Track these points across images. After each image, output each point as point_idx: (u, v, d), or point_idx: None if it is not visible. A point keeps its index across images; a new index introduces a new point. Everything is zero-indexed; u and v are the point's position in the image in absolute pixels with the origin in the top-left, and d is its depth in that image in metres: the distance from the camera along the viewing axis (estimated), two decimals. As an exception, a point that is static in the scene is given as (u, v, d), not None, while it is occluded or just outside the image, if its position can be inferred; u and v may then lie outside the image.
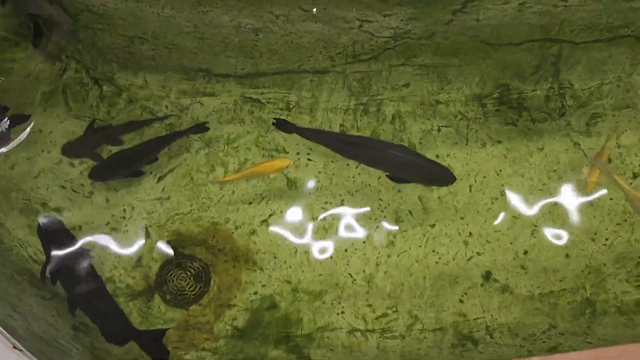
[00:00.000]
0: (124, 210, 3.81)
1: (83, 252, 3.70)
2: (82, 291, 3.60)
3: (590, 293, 3.61)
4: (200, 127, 3.93)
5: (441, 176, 3.48)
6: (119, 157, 3.80)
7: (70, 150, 3.91)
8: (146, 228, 3.77)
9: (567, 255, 3.69)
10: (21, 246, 3.68)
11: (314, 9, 3.55)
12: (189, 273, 3.70)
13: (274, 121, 3.76)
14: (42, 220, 3.73)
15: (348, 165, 3.92)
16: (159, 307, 3.63)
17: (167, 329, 3.56)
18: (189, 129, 3.91)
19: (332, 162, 3.93)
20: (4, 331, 2.91)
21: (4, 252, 3.63)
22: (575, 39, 3.80)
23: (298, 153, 3.95)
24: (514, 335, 3.54)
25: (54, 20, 3.92)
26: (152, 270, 3.69)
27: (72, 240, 3.72)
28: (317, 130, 3.88)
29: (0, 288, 3.36)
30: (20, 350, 2.84)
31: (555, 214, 3.77)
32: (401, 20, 3.60)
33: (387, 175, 3.57)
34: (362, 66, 3.93)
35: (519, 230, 3.74)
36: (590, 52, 3.89)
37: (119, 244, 3.74)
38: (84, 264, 3.65)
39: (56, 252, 3.65)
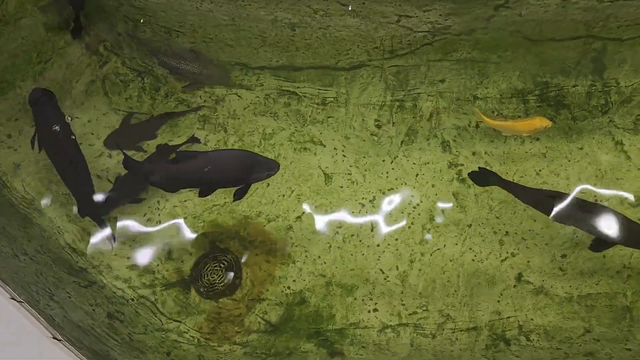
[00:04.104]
0: (158, 201, 3.85)
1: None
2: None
3: (631, 300, 3.53)
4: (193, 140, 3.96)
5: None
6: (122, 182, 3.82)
7: (112, 142, 3.96)
8: (181, 219, 3.80)
9: (604, 256, 3.60)
10: (59, 232, 3.74)
11: (350, 6, 3.53)
12: (222, 266, 3.72)
13: (479, 169, 3.73)
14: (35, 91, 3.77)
15: (384, 161, 3.89)
16: (195, 299, 3.67)
17: None
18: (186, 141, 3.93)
19: (364, 157, 3.91)
20: (44, 320, 2.96)
21: (45, 240, 3.70)
22: (622, 35, 3.69)
23: (335, 148, 3.93)
24: (550, 338, 3.48)
25: (210, 77, 4.05)
26: (186, 264, 3.72)
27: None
28: (523, 186, 3.68)
29: (40, 277, 3.42)
30: (59, 340, 2.89)
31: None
32: (440, 15, 3.55)
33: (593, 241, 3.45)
34: (399, 61, 3.88)
35: (556, 230, 3.67)
36: (636, 49, 3.77)
37: (154, 234, 3.78)
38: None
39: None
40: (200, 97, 4.09)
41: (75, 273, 3.64)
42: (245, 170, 3.26)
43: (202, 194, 3.31)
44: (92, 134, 3.99)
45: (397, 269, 3.67)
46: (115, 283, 3.66)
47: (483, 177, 3.71)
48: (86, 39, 4.18)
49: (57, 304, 3.34)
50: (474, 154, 3.86)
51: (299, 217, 3.79)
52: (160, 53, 4.01)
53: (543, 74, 3.91)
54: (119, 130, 3.98)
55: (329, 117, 4.00)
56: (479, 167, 3.75)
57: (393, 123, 3.97)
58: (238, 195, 3.35)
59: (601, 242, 3.42)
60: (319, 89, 4.02)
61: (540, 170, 3.80)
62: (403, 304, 3.61)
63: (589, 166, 3.78)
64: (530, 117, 3.81)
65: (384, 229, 3.75)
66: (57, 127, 3.67)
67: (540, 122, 3.68)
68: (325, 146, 3.94)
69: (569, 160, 3.81)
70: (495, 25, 3.62)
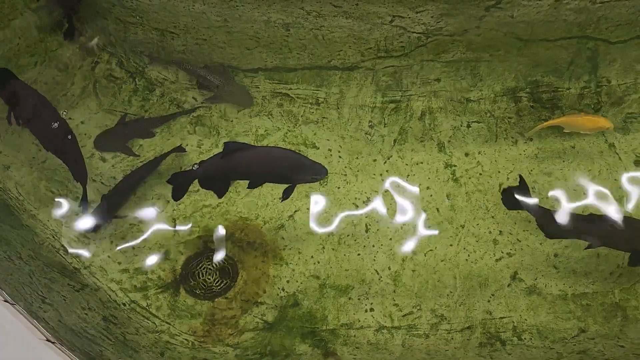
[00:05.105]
0: (153, 203, 3.84)
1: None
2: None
3: (620, 298, 3.54)
4: (178, 149, 3.94)
5: None
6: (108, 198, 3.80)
7: (102, 143, 3.95)
8: (174, 220, 3.79)
9: (597, 256, 3.62)
10: (54, 237, 3.73)
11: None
12: (215, 266, 3.71)
13: (507, 188, 3.63)
14: None
15: (375, 161, 3.90)
16: (185, 300, 3.66)
17: None
18: (166, 154, 3.91)
19: (358, 157, 3.91)
20: (37, 323, 2.95)
21: (37, 244, 3.69)
22: (611, 36, 3.72)
23: (329, 149, 3.93)
24: (543, 338, 3.50)
25: (233, 96, 4.06)
26: (179, 263, 3.72)
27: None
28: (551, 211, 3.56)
29: (32, 279, 3.41)
30: (52, 342, 2.88)
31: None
32: (432, 16, 3.56)
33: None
34: (392, 62, 3.89)
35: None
36: (627, 50, 3.80)
37: (147, 236, 3.77)
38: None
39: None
40: (194, 98, 4.08)
41: (69, 275, 3.62)
42: (290, 170, 3.28)
43: (251, 185, 3.34)
44: (85, 134, 3.98)
45: (390, 269, 3.67)
46: (110, 285, 3.64)
47: (516, 199, 3.54)
48: (79, 40, 4.16)
49: (51, 307, 3.33)
50: (466, 154, 3.87)
51: (291, 216, 3.79)
52: (189, 62, 4.04)
53: (536, 74, 3.93)
54: (109, 131, 3.97)
55: (323, 117, 4.01)
56: (519, 176, 3.60)
57: (385, 124, 3.97)
58: (285, 195, 3.36)
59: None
60: (312, 90, 4.02)
61: (532, 170, 3.82)
62: (396, 304, 3.62)
63: (580, 166, 3.80)
64: (595, 115, 3.80)
65: (378, 229, 3.76)
66: (55, 124, 3.70)
67: (604, 122, 3.66)
68: (318, 148, 3.94)
69: (560, 161, 3.83)
70: (487, 26, 3.64)
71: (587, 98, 3.92)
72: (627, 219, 3.40)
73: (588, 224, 3.40)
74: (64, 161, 3.73)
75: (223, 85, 4.00)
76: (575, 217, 3.47)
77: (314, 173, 3.30)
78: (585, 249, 3.46)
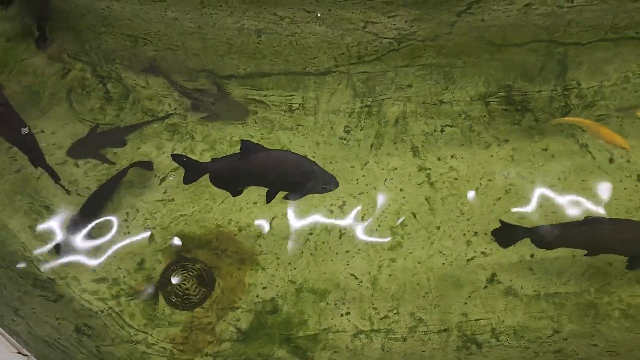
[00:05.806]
0: (127, 213, 3.80)
1: None
2: None
3: (595, 296, 3.59)
4: (144, 164, 3.91)
5: None
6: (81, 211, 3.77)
7: (75, 152, 3.91)
8: (150, 230, 3.76)
9: (573, 256, 3.65)
10: (25, 249, 3.67)
11: (318, 13, 3.54)
12: (191, 274, 3.69)
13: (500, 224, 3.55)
14: None
15: (353, 167, 3.90)
16: (163, 310, 3.62)
17: None
18: (131, 165, 3.88)
19: (334, 163, 3.92)
20: (9, 337, 2.90)
21: (9, 254, 3.63)
22: (581, 39, 3.78)
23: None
24: (519, 338, 3.52)
25: (229, 111, 4.03)
26: (156, 272, 3.68)
27: None
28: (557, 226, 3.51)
29: (4, 292, 3.35)
30: (25, 355, 2.83)
31: (560, 214, 3.75)
32: (405, 21, 3.59)
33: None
34: (366, 67, 3.91)
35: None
36: (595, 53, 3.86)
37: (122, 245, 3.73)
38: None
39: None
40: (169, 104, 4.06)
41: (42, 286, 3.57)
42: (301, 176, 3.18)
43: (269, 198, 3.24)
44: (54, 144, 3.94)
45: (369, 274, 3.68)
46: (83, 295, 3.60)
47: (508, 234, 3.51)
48: (50, 48, 4.13)
49: (22, 319, 3.27)
50: (439, 159, 3.90)
51: (269, 224, 3.78)
52: (180, 84, 4.01)
53: (507, 78, 3.97)
54: (83, 139, 3.94)
55: (297, 124, 4.01)
56: (500, 221, 3.54)
57: (362, 128, 3.99)
58: (288, 197, 3.27)
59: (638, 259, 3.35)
60: (287, 96, 4.02)
61: (508, 174, 3.85)
62: (374, 308, 3.62)
63: (554, 168, 3.85)
64: (616, 132, 3.76)
65: (354, 233, 3.76)
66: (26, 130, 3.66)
67: (620, 141, 3.65)
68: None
69: (534, 163, 3.87)
70: (459, 31, 3.67)
71: (557, 101, 3.97)
72: (623, 221, 3.39)
73: (581, 229, 3.35)
74: (20, 149, 3.72)
75: (216, 102, 3.98)
76: (566, 224, 3.45)
77: (323, 182, 3.21)
78: (585, 255, 3.42)
